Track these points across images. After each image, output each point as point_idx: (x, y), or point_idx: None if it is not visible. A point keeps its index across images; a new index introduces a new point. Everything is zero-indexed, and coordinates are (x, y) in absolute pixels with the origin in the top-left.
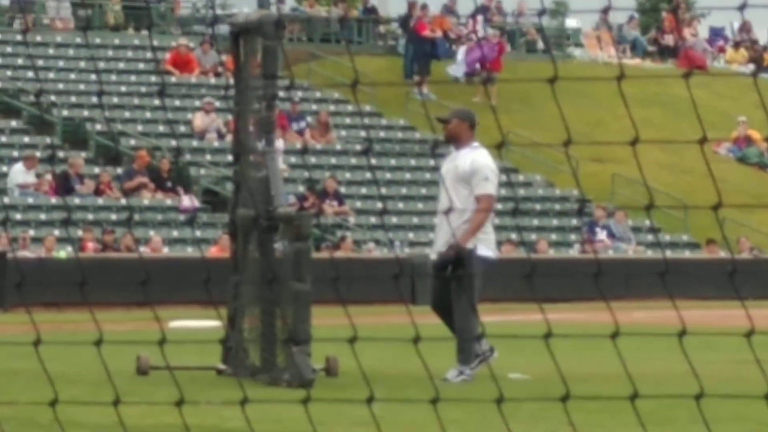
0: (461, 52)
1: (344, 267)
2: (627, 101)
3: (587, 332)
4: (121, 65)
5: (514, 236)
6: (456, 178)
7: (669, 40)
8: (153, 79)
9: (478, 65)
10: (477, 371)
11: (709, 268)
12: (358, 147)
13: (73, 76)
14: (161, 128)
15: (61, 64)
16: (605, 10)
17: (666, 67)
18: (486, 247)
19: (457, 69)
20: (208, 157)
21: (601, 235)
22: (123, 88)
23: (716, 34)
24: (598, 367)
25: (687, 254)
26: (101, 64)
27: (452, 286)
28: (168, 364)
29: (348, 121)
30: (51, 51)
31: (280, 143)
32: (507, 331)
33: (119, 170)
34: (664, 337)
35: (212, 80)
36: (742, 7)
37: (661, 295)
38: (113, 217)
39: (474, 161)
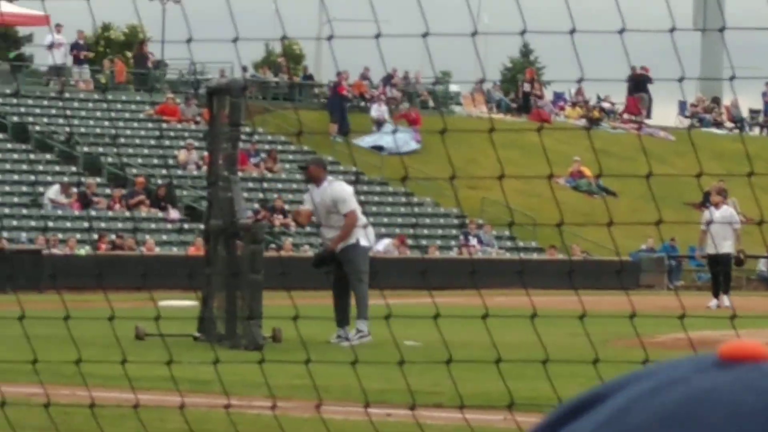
0: (375, 109)
1: (287, 263)
2: (493, 145)
3: (464, 313)
4: (127, 115)
5: (411, 242)
6: (326, 209)
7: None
8: (150, 125)
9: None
10: (365, 341)
11: (552, 266)
12: (298, 176)
13: (92, 122)
14: (155, 161)
15: (83, 113)
16: (480, 81)
17: (521, 120)
18: (365, 238)
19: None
20: (189, 182)
21: (473, 241)
22: (128, 132)
23: (558, 96)
24: (472, 337)
25: (535, 256)
26: (113, 114)
27: (347, 271)
28: (159, 332)
29: (290, 157)
30: (76, 104)
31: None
32: (405, 311)
33: (124, 191)
34: (520, 318)
35: (192, 126)
36: (580, 80)
37: (516, 285)
38: (120, 225)
39: (333, 192)
